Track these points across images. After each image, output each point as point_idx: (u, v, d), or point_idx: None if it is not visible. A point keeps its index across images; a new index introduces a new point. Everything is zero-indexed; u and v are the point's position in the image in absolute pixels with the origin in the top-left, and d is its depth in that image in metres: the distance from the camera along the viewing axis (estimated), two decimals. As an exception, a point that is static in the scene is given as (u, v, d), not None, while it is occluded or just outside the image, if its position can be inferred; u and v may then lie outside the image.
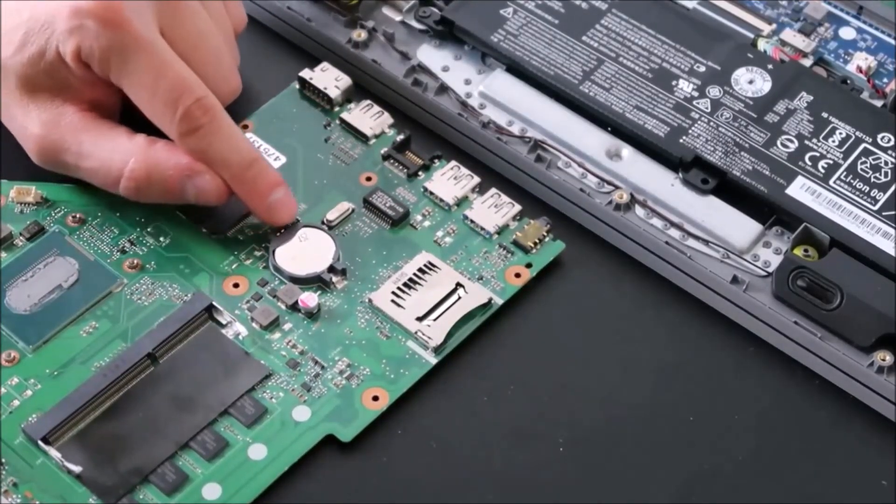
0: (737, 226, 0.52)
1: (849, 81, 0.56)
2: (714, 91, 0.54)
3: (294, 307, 0.50)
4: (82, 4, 0.48)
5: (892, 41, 0.57)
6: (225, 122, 0.50)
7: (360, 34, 0.56)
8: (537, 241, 0.52)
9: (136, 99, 0.49)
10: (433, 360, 0.49)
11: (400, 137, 0.54)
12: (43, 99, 0.50)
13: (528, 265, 0.51)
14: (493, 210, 0.52)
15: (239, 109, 0.55)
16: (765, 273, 0.51)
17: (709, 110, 0.54)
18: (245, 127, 0.55)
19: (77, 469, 0.45)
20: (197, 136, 0.49)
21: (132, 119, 0.51)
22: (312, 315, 0.50)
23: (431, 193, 0.53)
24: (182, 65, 0.49)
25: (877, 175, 0.52)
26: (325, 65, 0.56)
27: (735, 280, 0.50)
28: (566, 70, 0.55)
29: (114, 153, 0.50)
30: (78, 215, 0.52)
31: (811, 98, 0.54)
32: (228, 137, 0.50)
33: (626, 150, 0.53)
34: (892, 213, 0.51)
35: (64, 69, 0.49)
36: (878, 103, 0.55)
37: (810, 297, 0.49)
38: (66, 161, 0.50)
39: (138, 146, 0.50)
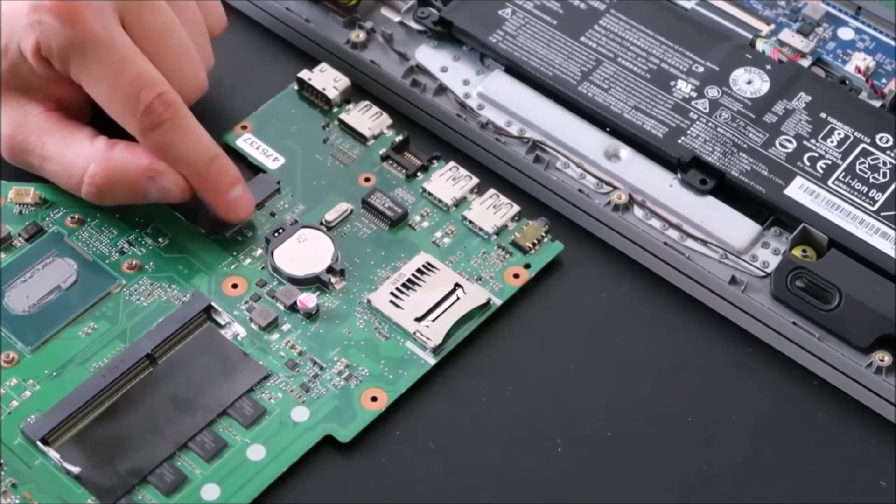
0: (735, 226, 0.52)
1: (847, 82, 0.56)
2: (712, 91, 0.54)
3: (293, 308, 0.50)
4: (41, 2, 0.47)
5: (891, 42, 0.57)
6: (188, 117, 0.49)
7: (358, 35, 0.56)
8: (536, 241, 0.52)
9: (96, 96, 0.49)
10: (432, 361, 0.49)
11: (398, 138, 0.54)
12: (10, 98, 0.50)
13: (527, 266, 0.51)
14: (492, 211, 0.52)
15: (237, 110, 0.55)
16: (763, 273, 0.51)
17: (707, 111, 0.54)
18: (244, 128, 0.55)
19: (76, 470, 0.45)
20: (160, 132, 0.49)
21: (104, 119, 0.50)
22: (311, 316, 0.50)
23: (430, 194, 0.53)
24: (144, 60, 0.48)
25: (875, 175, 0.52)
26: (323, 65, 0.56)
27: (733, 280, 0.50)
28: (565, 70, 0.55)
29: (76, 157, 0.50)
30: (76, 216, 0.52)
31: (809, 98, 0.54)
32: (191, 133, 0.49)
33: (625, 151, 0.53)
34: (891, 213, 0.51)
35: (26, 67, 0.49)
36: (877, 104, 0.55)
37: (809, 297, 0.49)
38: (31, 162, 0.51)
39: (98, 150, 0.49)
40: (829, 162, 0.52)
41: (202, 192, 0.50)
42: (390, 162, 0.54)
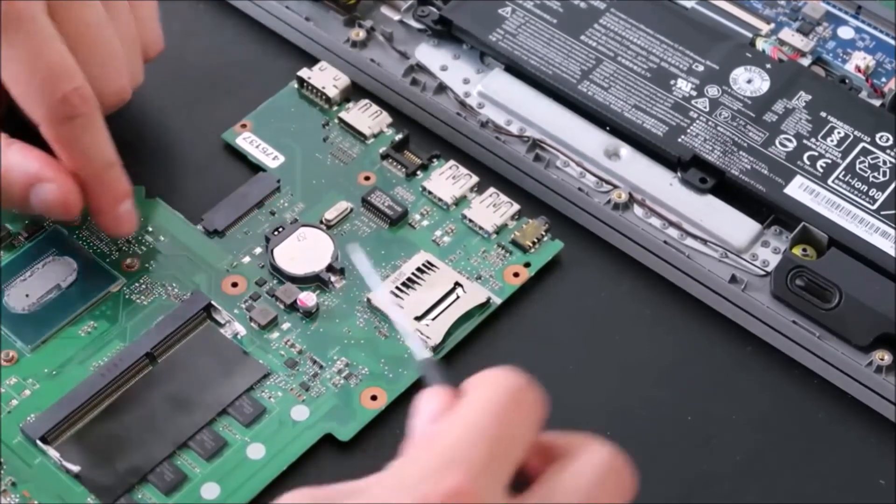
0: (735, 225, 0.52)
1: (847, 81, 0.56)
2: (712, 90, 0.54)
3: (292, 306, 0.50)
4: None
5: (891, 41, 0.57)
6: (100, 118, 0.47)
7: (358, 33, 0.56)
8: (536, 240, 0.52)
9: (8, 76, 0.46)
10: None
11: (398, 137, 0.54)
12: None
13: (527, 264, 0.51)
14: (492, 209, 0.52)
15: (237, 109, 0.55)
16: (763, 272, 0.51)
17: (707, 110, 0.54)
18: (243, 126, 0.55)
19: (75, 468, 0.45)
20: (71, 125, 0.47)
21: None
22: (311, 314, 0.50)
23: (430, 193, 0.53)
24: (65, 50, 0.46)
25: (875, 174, 0.52)
26: (323, 64, 0.56)
27: (733, 279, 0.50)
28: (565, 69, 0.55)
29: None
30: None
31: (809, 97, 0.54)
32: (101, 134, 0.48)
33: (625, 150, 0.53)
34: (891, 212, 0.51)
35: None
36: (877, 103, 0.55)
37: (809, 296, 0.49)
38: None
39: None
40: (829, 161, 0.52)
41: (94, 198, 0.48)
42: (390, 160, 0.54)
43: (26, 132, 0.48)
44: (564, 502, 0.37)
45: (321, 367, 0.48)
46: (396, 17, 0.57)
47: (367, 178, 0.53)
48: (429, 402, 0.39)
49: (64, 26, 0.47)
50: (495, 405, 0.37)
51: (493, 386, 0.38)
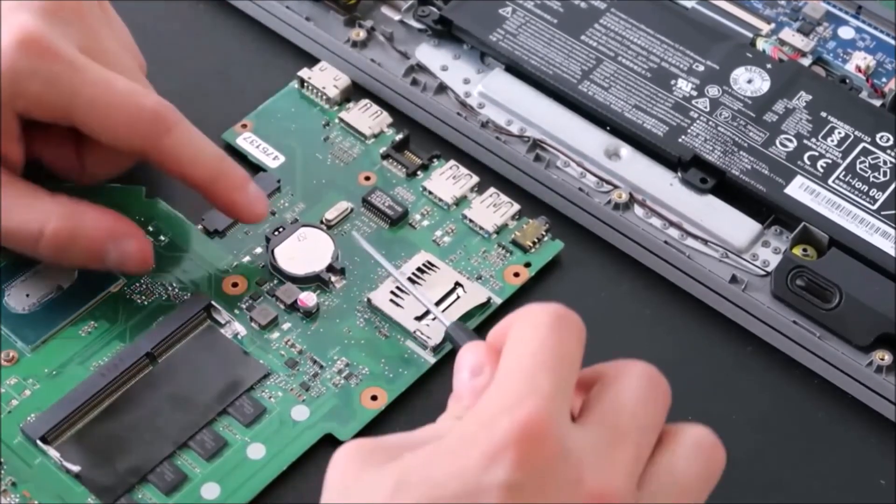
0: (736, 225, 0.52)
1: (847, 81, 0.56)
2: (713, 90, 0.54)
3: (293, 307, 0.50)
4: (2, 43, 0.45)
5: (891, 41, 0.57)
6: (187, 120, 0.48)
7: (358, 33, 0.56)
8: (536, 240, 0.52)
9: (89, 121, 0.46)
10: (432, 360, 0.49)
11: (399, 137, 0.54)
12: None
13: (527, 264, 0.51)
14: (492, 209, 0.52)
15: (237, 109, 0.55)
16: (764, 272, 0.51)
17: (708, 110, 0.54)
18: (244, 126, 0.55)
19: (76, 468, 0.45)
20: (171, 138, 0.47)
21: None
22: (311, 314, 0.50)
23: (430, 193, 0.53)
24: (122, 77, 0.46)
25: (875, 174, 0.52)
26: (323, 64, 0.56)
27: (734, 279, 0.50)
28: (565, 69, 0.55)
29: (32, 212, 0.47)
30: (77, 215, 0.52)
31: (810, 97, 0.54)
32: (198, 133, 0.48)
33: (625, 150, 0.53)
34: (891, 212, 0.51)
35: None
36: (877, 103, 0.55)
37: (809, 296, 0.49)
38: None
39: (62, 205, 0.47)
40: (830, 161, 0.52)
41: (221, 194, 0.48)
42: (390, 160, 0.54)
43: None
44: (617, 418, 0.39)
45: (321, 367, 0.48)
46: (397, 17, 0.57)
47: (367, 179, 0.53)
48: (469, 356, 0.41)
49: (97, 59, 0.47)
50: (542, 334, 0.39)
51: (532, 318, 0.39)
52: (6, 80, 0.45)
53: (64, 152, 0.48)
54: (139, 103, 0.46)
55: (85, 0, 0.48)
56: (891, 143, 0.53)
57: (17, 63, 0.45)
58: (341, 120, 0.55)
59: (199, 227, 0.52)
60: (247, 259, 0.51)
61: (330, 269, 0.50)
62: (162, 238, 0.51)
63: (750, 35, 0.57)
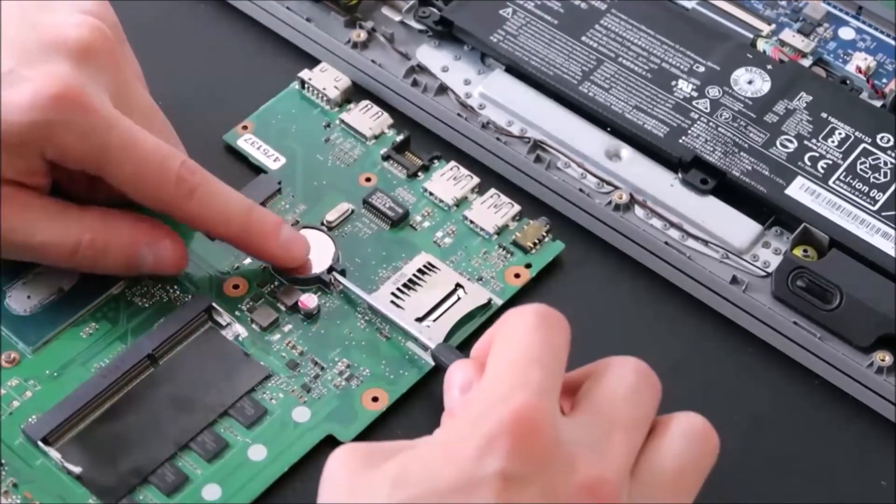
0: (736, 226, 0.52)
1: (848, 82, 0.56)
2: (713, 91, 0.54)
3: (294, 308, 0.50)
4: (39, 93, 0.45)
5: (892, 41, 0.57)
6: (212, 177, 0.48)
7: (359, 34, 0.56)
8: (537, 241, 0.52)
9: (117, 178, 0.46)
10: (433, 361, 0.49)
11: (399, 138, 0.54)
12: None
13: (528, 265, 0.51)
14: (493, 210, 0.52)
15: (238, 110, 0.55)
16: (764, 273, 0.51)
17: (708, 110, 0.54)
18: (245, 128, 0.55)
19: (77, 470, 0.45)
20: (195, 199, 0.47)
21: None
22: (312, 316, 0.50)
23: (431, 194, 0.53)
24: (150, 134, 0.47)
25: (876, 175, 0.52)
26: (324, 65, 0.56)
27: (734, 280, 0.50)
28: (565, 70, 0.55)
29: (67, 226, 0.47)
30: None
31: (810, 98, 0.54)
32: (224, 190, 0.48)
33: (626, 151, 0.53)
34: (892, 213, 0.51)
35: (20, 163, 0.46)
36: (878, 103, 0.55)
37: (810, 297, 0.49)
38: (12, 241, 0.47)
39: (95, 216, 0.48)
40: (830, 162, 0.52)
41: (253, 245, 0.49)
42: (391, 162, 0.54)
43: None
44: (609, 408, 0.40)
45: (322, 368, 0.48)
46: (397, 18, 0.57)
47: (368, 180, 0.54)
48: (458, 374, 0.42)
49: (132, 114, 0.47)
50: (528, 331, 0.40)
51: (516, 319, 0.41)
52: (40, 131, 0.45)
53: (79, 180, 0.49)
54: (164, 166, 0.46)
55: (118, 44, 0.48)
56: (891, 143, 0.53)
57: (51, 116, 0.45)
58: (342, 121, 0.55)
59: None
60: (248, 261, 0.51)
61: (331, 270, 0.50)
62: (163, 239, 0.51)
63: (750, 36, 0.57)
